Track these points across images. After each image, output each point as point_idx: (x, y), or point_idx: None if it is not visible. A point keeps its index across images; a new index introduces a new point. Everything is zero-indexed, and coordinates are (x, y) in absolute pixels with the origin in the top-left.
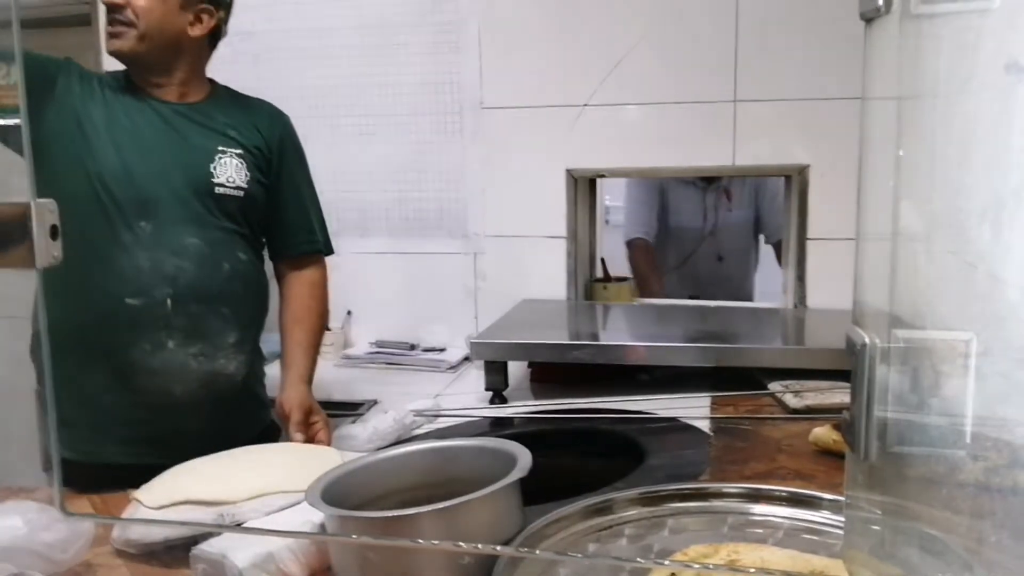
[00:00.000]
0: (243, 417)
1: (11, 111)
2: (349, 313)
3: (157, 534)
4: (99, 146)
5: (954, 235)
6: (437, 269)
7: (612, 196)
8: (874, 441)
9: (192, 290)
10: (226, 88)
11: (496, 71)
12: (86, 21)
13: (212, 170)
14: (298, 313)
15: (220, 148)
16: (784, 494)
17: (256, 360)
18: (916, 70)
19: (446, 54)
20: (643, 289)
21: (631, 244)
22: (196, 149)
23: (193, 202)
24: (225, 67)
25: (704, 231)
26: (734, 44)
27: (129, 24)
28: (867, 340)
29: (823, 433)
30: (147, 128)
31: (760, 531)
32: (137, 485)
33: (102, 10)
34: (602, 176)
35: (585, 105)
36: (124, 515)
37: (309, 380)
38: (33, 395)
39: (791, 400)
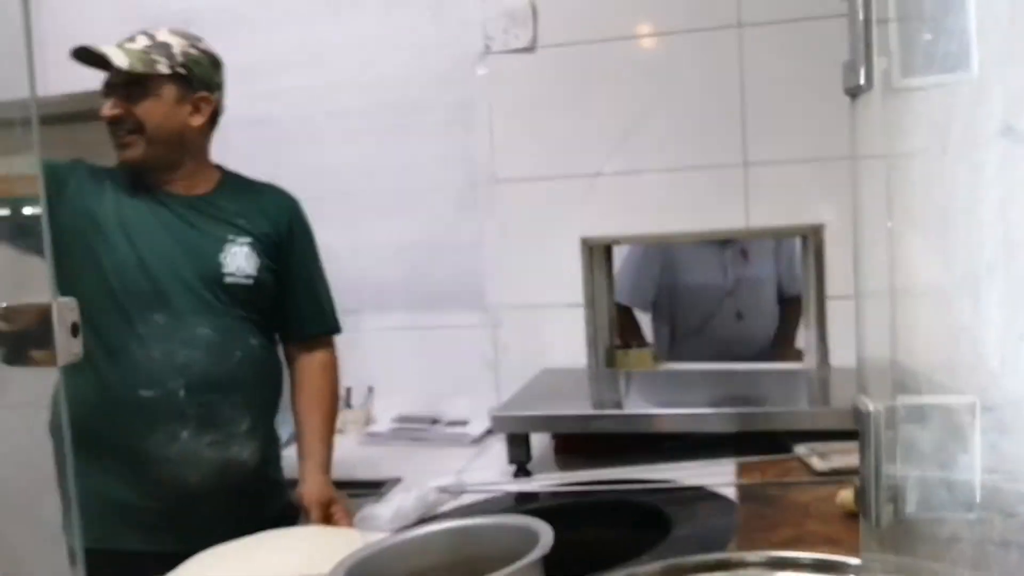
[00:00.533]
0: (260, 502)
1: (25, 201)
2: (371, 389)
3: None
4: (112, 242)
5: (943, 303)
6: (456, 342)
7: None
8: (885, 506)
9: (204, 380)
10: (234, 175)
11: (508, 145)
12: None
13: (221, 260)
14: (312, 398)
15: (229, 237)
16: (809, 561)
17: (271, 444)
18: (900, 141)
19: (459, 131)
20: None
21: (621, 308)
22: (205, 239)
23: (203, 292)
24: (243, 154)
25: (724, 290)
26: (740, 107)
27: (134, 131)
28: (871, 408)
29: (849, 495)
30: (157, 222)
31: None
32: (158, 572)
33: None
34: (617, 243)
35: (597, 174)
36: None
37: (327, 469)
38: (56, 487)
39: (817, 463)
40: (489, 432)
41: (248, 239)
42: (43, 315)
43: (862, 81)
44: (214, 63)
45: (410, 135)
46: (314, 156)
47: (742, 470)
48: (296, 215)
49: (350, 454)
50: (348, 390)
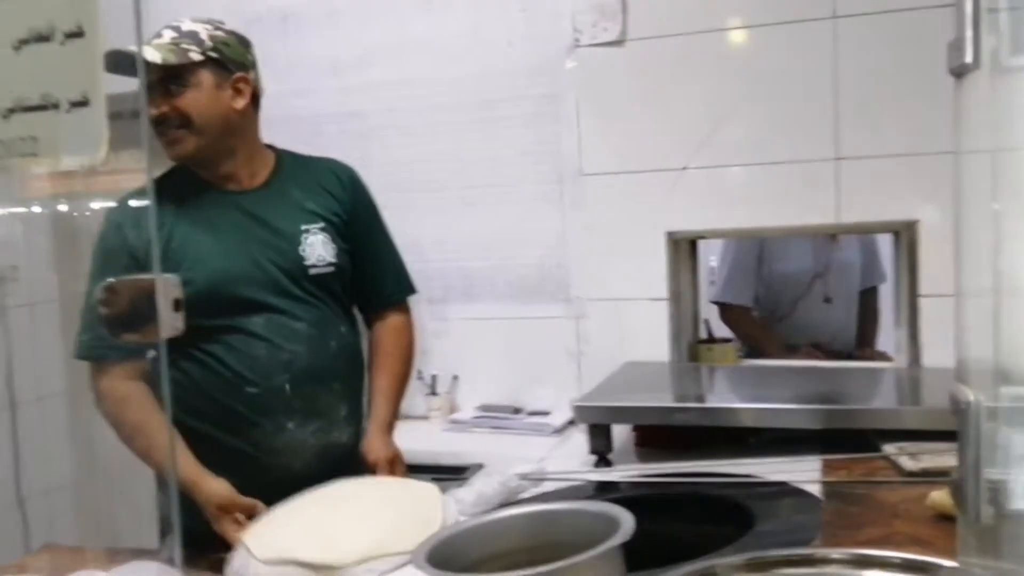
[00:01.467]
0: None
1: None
2: (455, 378)
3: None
4: (198, 259)
5: None
6: (540, 333)
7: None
8: (985, 502)
9: (307, 372)
10: (288, 154)
11: (594, 138)
12: None
13: (301, 252)
14: (382, 358)
15: (303, 228)
16: (898, 560)
17: (362, 422)
18: (1010, 123)
19: (545, 124)
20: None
21: (727, 308)
22: (281, 234)
23: (292, 288)
24: (335, 146)
25: (813, 272)
26: (834, 101)
27: (181, 126)
28: (972, 398)
29: (941, 496)
30: (231, 227)
31: None
32: None
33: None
34: (703, 237)
35: (684, 168)
36: (234, 559)
37: (391, 428)
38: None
39: (907, 463)
40: (571, 423)
41: (321, 224)
42: (147, 291)
43: (969, 59)
44: (243, 42)
45: (498, 128)
46: (403, 148)
47: (827, 468)
48: (357, 186)
49: (434, 440)
50: (433, 377)
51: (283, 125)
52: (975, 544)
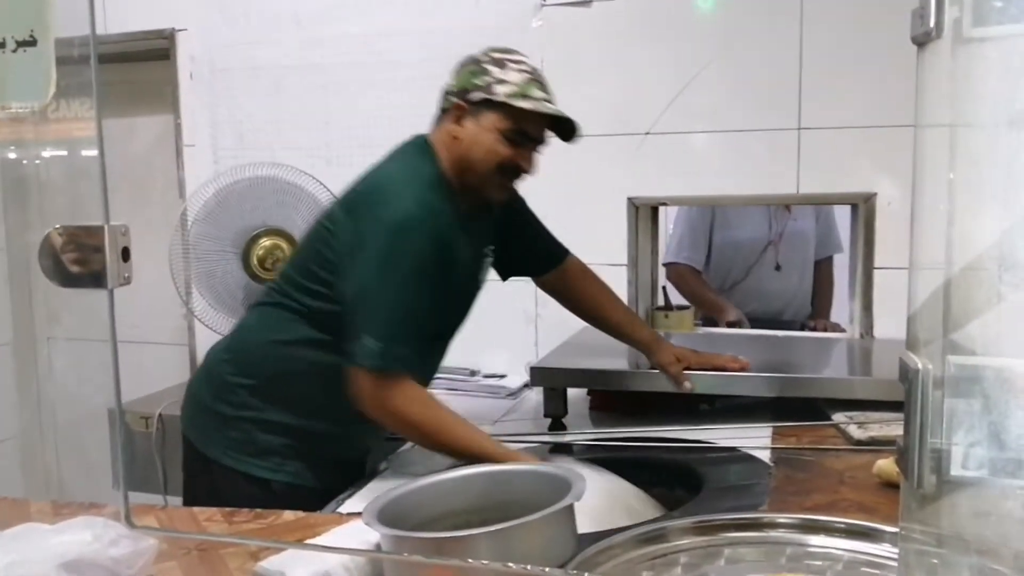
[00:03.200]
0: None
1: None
2: None
3: None
4: (456, 275)
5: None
6: (498, 296)
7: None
8: (928, 470)
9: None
10: None
11: (559, 100)
12: (164, 56)
13: (480, 278)
14: (604, 294)
15: (486, 255)
16: (843, 526)
17: None
18: (968, 94)
19: None
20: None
21: (672, 267)
22: (480, 264)
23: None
24: (297, 96)
25: (766, 240)
26: (798, 71)
27: (519, 179)
28: (920, 366)
29: (887, 465)
30: (468, 251)
31: (819, 563)
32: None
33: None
34: (664, 204)
35: (647, 133)
36: None
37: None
38: (106, 414)
39: (855, 431)
40: (526, 386)
41: (492, 247)
42: (97, 239)
43: (931, 26)
44: None
45: None
46: (364, 103)
47: (777, 435)
48: (520, 202)
49: None
50: None
51: (242, 75)
52: (917, 511)
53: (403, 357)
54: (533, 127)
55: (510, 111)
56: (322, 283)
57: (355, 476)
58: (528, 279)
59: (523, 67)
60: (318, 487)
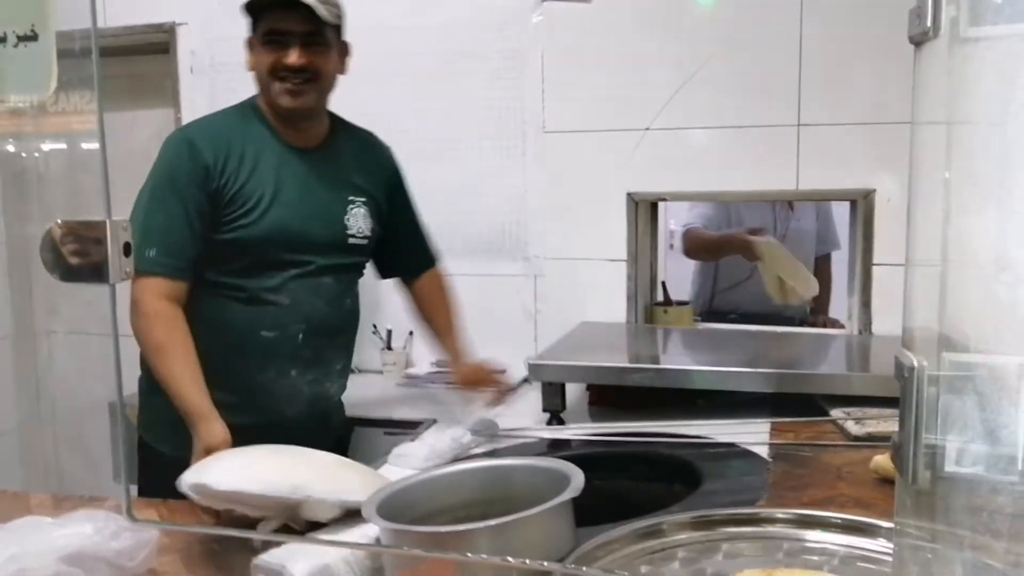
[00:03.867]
0: (333, 427)
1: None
2: (411, 333)
3: (228, 483)
4: (258, 206)
5: (1002, 260)
6: (498, 291)
7: (677, 220)
8: (922, 465)
9: (322, 326)
10: (340, 120)
11: (559, 95)
12: (164, 49)
13: (346, 222)
14: (440, 307)
15: (350, 199)
16: (839, 521)
17: (347, 376)
18: (964, 94)
19: (509, 79)
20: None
21: (682, 236)
22: (333, 201)
23: (331, 251)
24: None
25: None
26: (798, 68)
27: (309, 80)
28: (916, 363)
29: (884, 461)
30: (295, 182)
31: (816, 558)
32: None
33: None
34: (663, 200)
35: (647, 129)
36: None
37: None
38: (106, 408)
39: (853, 427)
40: (525, 380)
41: (364, 199)
42: (98, 233)
43: (928, 25)
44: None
45: (460, 81)
46: (360, 97)
47: (775, 430)
48: (395, 168)
49: (388, 394)
50: (389, 332)
51: (242, 69)
52: (911, 506)
53: (144, 259)
54: (276, 22)
55: (254, 18)
56: None
57: None
58: (518, 274)
59: None
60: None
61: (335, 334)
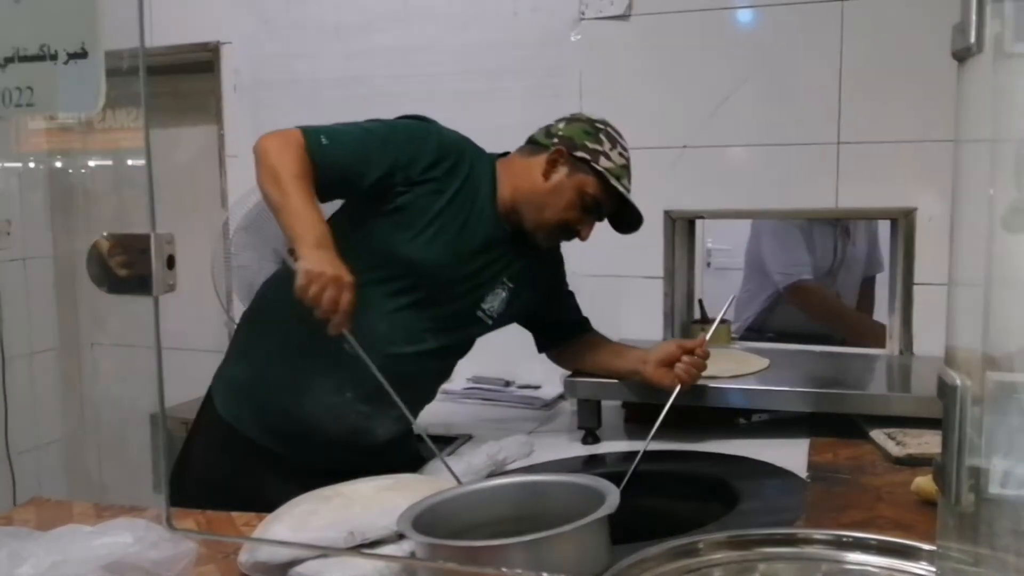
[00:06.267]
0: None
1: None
2: None
3: (285, 555)
4: (421, 228)
5: None
6: None
7: (715, 239)
8: (965, 486)
9: (401, 365)
10: None
11: (597, 113)
12: (208, 68)
13: (482, 294)
14: (601, 342)
15: (503, 280)
16: (879, 543)
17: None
18: (1009, 110)
19: (548, 98)
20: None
21: (792, 289)
22: (484, 268)
23: (458, 320)
24: (338, 108)
25: (826, 268)
26: (838, 85)
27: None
28: (959, 382)
29: (925, 482)
30: (478, 243)
31: None
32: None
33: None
34: (701, 217)
35: (685, 147)
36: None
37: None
38: (147, 419)
39: (893, 448)
40: (561, 397)
41: (513, 286)
42: (142, 246)
43: (972, 41)
44: None
45: (500, 100)
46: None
47: (814, 450)
48: (561, 272)
49: (424, 410)
50: None
51: (283, 88)
52: (954, 528)
53: (316, 129)
54: (608, 206)
55: (603, 185)
56: None
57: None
58: None
59: (625, 154)
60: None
61: (407, 381)
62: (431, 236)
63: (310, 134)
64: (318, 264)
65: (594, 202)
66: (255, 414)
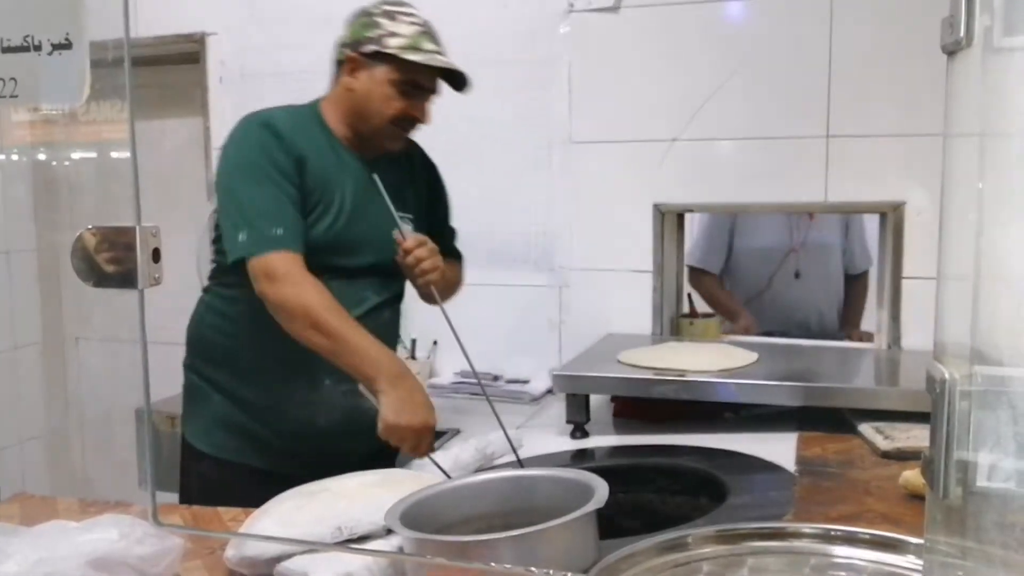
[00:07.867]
0: (368, 440)
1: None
2: (435, 343)
3: (272, 551)
4: (327, 210)
5: None
6: (523, 301)
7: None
8: (954, 481)
9: None
10: None
11: (586, 106)
12: (194, 59)
13: (394, 235)
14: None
15: (399, 215)
16: (866, 536)
17: None
18: (998, 104)
19: (536, 89)
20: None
21: (694, 272)
22: (385, 214)
23: (381, 264)
24: None
25: (787, 248)
26: (827, 79)
27: (413, 129)
28: (947, 375)
29: (913, 476)
30: (359, 194)
31: (843, 574)
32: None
33: (212, 52)
34: (690, 211)
35: (674, 140)
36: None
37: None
38: (133, 414)
39: (881, 442)
40: (549, 392)
41: (411, 216)
42: (127, 239)
43: (962, 35)
44: None
45: (488, 91)
46: None
47: (803, 444)
48: (440, 185)
49: None
50: (413, 342)
51: (271, 79)
52: (942, 522)
53: (274, 237)
54: (425, 79)
55: (402, 64)
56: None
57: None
58: (543, 284)
59: (414, 19)
60: (263, 468)
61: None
62: (335, 212)
63: (275, 246)
64: (398, 414)
65: (407, 84)
66: (264, 445)
